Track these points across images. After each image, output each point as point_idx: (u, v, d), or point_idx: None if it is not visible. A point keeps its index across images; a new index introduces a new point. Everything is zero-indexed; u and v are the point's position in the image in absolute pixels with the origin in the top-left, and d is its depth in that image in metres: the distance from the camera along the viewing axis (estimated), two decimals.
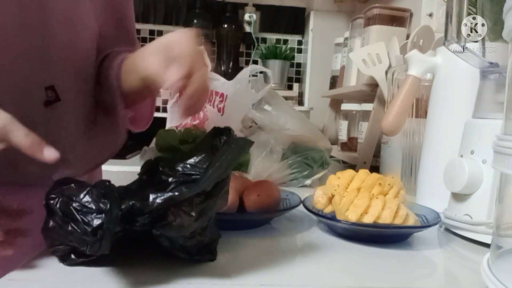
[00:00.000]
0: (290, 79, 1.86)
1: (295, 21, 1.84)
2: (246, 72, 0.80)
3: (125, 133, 0.61)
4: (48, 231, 0.38)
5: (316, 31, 1.72)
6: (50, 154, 0.37)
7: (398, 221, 0.47)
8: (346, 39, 1.30)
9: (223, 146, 0.40)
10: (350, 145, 1.15)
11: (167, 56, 0.47)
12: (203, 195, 0.36)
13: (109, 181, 0.39)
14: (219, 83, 0.85)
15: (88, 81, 0.60)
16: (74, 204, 0.37)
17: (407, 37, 1.06)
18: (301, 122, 0.86)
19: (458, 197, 0.52)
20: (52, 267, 0.38)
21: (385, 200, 0.49)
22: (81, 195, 0.38)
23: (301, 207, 0.55)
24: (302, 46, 1.87)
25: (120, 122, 0.58)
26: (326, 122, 1.43)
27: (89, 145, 0.59)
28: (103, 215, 0.36)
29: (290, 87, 1.82)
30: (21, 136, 0.37)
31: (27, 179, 0.51)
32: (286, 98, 1.45)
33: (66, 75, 0.54)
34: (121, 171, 1.13)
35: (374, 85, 0.97)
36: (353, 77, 1.16)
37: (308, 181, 0.80)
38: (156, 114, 0.73)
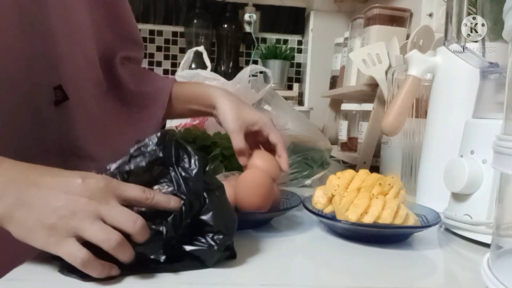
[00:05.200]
0: (290, 79, 1.86)
1: (295, 21, 1.84)
2: (246, 72, 0.80)
3: (160, 119, 0.67)
4: None
5: (316, 31, 1.72)
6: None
7: (398, 221, 0.47)
8: (346, 39, 1.30)
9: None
10: (350, 145, 1.15)
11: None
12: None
13: None
14: (219, 83, 0.85)
15: (95, 79, 0.61)
16: None
17: (407, 37, 1.05)
18: (301, 122, 0.86)
19: (458, 197, 0.52)
20: (51, 266, 0.38)
21: (385, 200, 0.49)
22: None
23: (301, 207, 0.55)
24: (302, 46, 1.87)
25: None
26: (326, 122, 1.43)
27: (118, 137, 0.62)
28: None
29: (290, 87, 1.82)
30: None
31: None
32: (286, 98, 1.45)
33: (72, 74, 0.56)
34: None
35: (374, 85, 0.97)
36: (353, 77, 1.16)
37: (308, 181, 0.80)
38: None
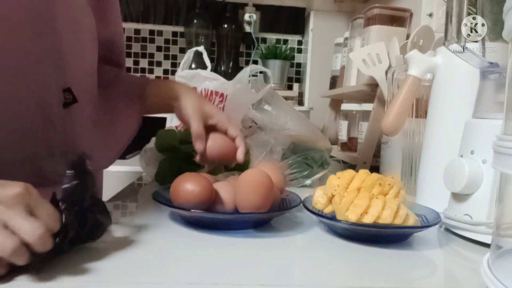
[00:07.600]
0: (290, 79, 1.86)
1: (295, 21, 1.84)
2: (246, 72, 0.80)
3: (140, 117, 0.67)
4: None
5: (316, 31, 1.72)
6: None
7: (398, 221, 0.47)
8: (346, 39, 1.30)
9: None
10: (350, 145, 1.15)
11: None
12: None
13: None
14: (219, 83, 0.85)
15: (95, 81, 0.61)
16: None
17: (407, 37, 1.06)
18: (301, 122, 0.86)
19: (458, 197, 0.53)
20: (51, 266, 0.38)
21: (385, 200, 0.49)
22: None
23: (301, 207, 0.55)
24: (302, 46, 1.87)
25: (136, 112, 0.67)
26: (326, 122, 1.43)
27: (107, 133, 0.62)
28: None
29: (290, 87, 1.82)
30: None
31: (49, 179, 0.52)
32: (286, 98, 1.45)
33: (79, 76, 0.56)
34: (121, 171, 1.13)
35: (374, 85, 0.97)
36: (353, 77, 1.16)
37: (308, 181, 0.80)
38: (156, 114, 0.74)
